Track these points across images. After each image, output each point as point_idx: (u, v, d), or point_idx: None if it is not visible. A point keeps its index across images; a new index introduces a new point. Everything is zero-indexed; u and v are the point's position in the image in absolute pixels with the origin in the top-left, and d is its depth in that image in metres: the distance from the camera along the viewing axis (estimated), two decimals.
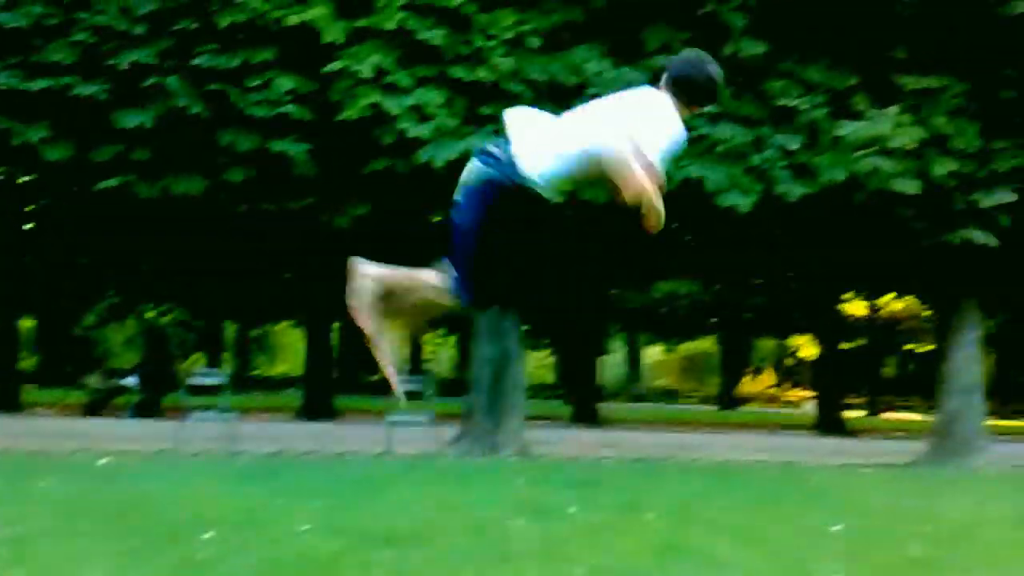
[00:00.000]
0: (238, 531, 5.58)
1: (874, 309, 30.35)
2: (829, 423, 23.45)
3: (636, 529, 6.28)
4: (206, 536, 5.35)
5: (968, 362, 13.39)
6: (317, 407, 20.85)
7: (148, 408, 18.31)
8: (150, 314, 32.03)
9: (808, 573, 5.11)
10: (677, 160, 11.44)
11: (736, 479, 10.19)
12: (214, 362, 35.26)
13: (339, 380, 26.35)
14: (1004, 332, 24.74)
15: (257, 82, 11.20)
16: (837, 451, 15.87)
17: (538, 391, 48.65)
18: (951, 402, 13.43)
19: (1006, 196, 11.68)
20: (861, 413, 36.05)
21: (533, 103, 11.32)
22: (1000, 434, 19.89)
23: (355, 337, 34.55)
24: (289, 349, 44.49)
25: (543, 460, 11.97)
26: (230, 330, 40.75)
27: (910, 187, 11.42)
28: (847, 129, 11.27)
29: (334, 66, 11.04)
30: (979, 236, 11.84)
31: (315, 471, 9.58)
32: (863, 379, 33.49)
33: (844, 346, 27.51)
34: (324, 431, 16.11)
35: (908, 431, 20.43)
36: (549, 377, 54.02)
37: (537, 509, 6.90)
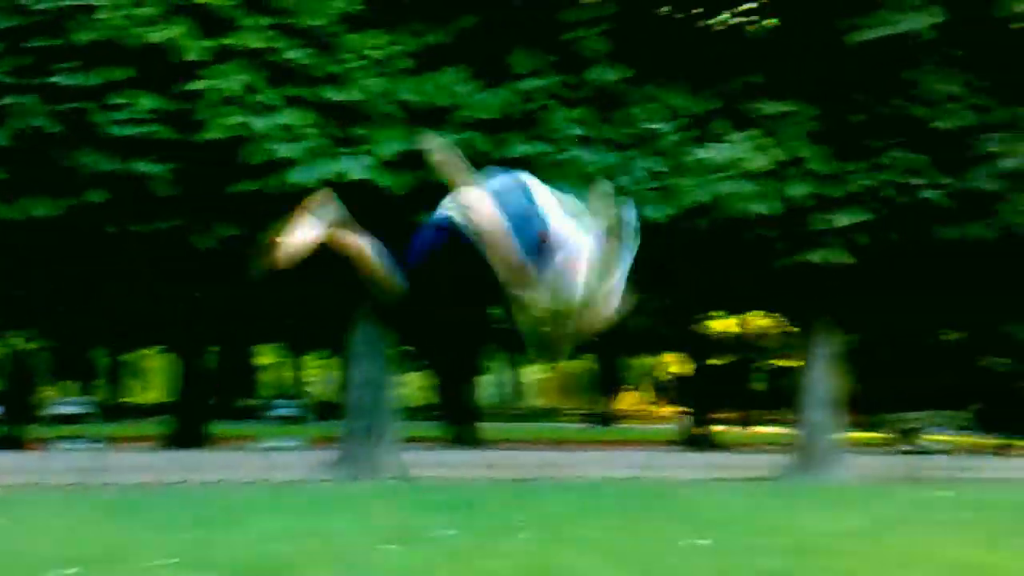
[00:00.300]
0: (100, 568, 5.40)
1: (741, 326, 31.23)
2: (699, 438, 24.01)
3: (508, 550, 6.31)
4: (66, 574, 5.16)
5: (824, 377, 13.89)
6: (189, 435, 20.26)
7: (11, 440, 17.50)
8: (13, 341, 30.60)
9: None
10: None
11: (609, 497, 10.34)
12: (82, 390, 33.90)
13: (213, 406, 25.69)
14: (866, 348, 25.71)
15: (117, 101, 10.89)
16: (707, 466, 16.27)
17: (418, 413, 48.30)
18: (810, 416, 13.91)
19: (859, 216, 12.17)
20: (731, 428, 36.98)
21: (403, 124, 11.42)
22: (862, 446, 20.69)
23: (229, 362, 33.74)
24: (160, 375, 43.15)
25: (420, 483, 11.91)
26: (98, 356, 39.29)
27: (768, 208, 11.83)
28: (708, 152, 11.61)
29: (196, 85, 10.82)
30: (834, 255, 12.32)
31: (183, 502, 9.33)
32: (732, 394, 34.35)
33: (712, 362, 28.19)
34: (196, 460, 15.67)
35: (775, 444, 21.07)
36: (429, 399, 53.71)
37: (409, 534, 6.88)
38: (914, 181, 12.08)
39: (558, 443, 24.40)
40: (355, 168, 11.20)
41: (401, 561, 5.85)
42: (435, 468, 14.01)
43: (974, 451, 15.39)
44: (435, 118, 11.45)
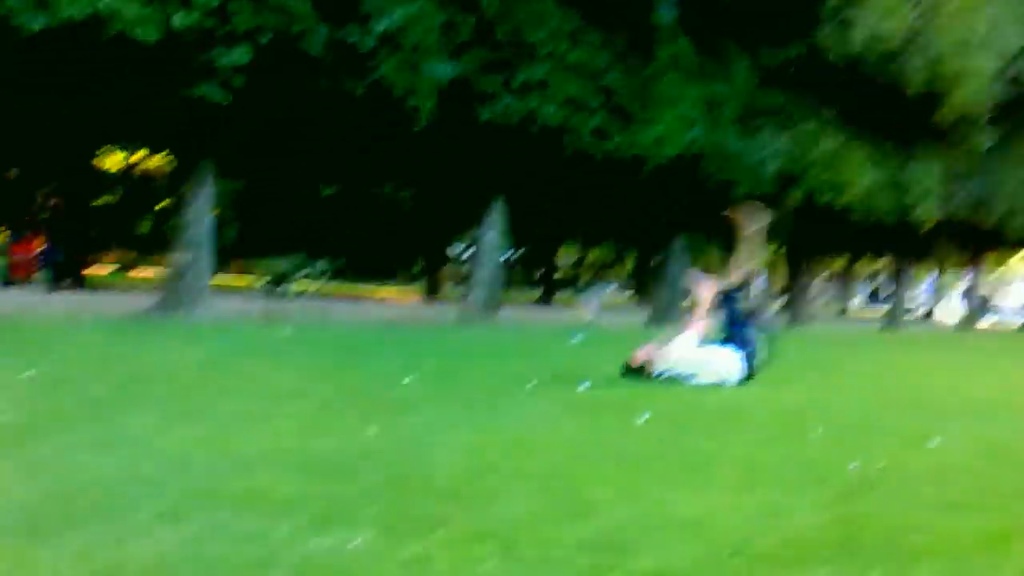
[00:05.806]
0: None
1: (130, 165, 29.74)
2: (74, 278, 22.68)
3: None
4: None
5: (199, 217, 13.72)
6: None
7: None
8: None
9: None
10: None
11: None
12: None
13: None
14: (250, 194, 25.89)
15: None
16: (75, 306, 15.37)
17: None
18: (182, 256, 13.73)
19: (241, 57, 11.95)
20: (111, 269, 35.49)
21: None
22: (236, 289, 21.07)
23: None
24: None
25: None
26: None
27: (150, 34, 11.18)
28: None
29: None
30: (214, 93, 12.04)
31: None
32: (116, 236, 32.84)
33: (98, 202, 26.57)
34: None
35: (152, 287, 20.57)
36: None
37: None
38: (295, 28, 12.13)
39: None
40: None
41: None
42: None
43: (336, 297, 16.44)
44: None
